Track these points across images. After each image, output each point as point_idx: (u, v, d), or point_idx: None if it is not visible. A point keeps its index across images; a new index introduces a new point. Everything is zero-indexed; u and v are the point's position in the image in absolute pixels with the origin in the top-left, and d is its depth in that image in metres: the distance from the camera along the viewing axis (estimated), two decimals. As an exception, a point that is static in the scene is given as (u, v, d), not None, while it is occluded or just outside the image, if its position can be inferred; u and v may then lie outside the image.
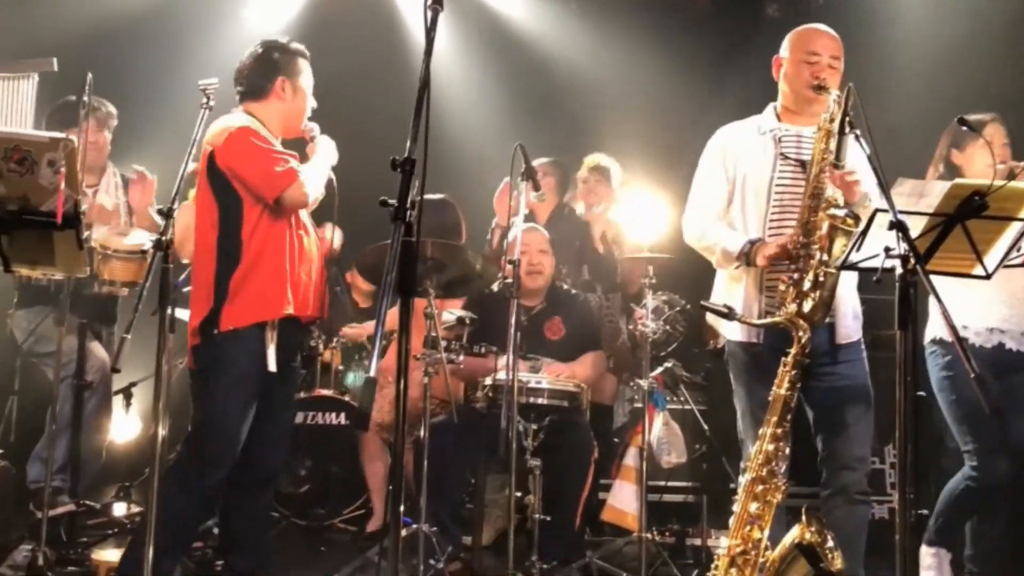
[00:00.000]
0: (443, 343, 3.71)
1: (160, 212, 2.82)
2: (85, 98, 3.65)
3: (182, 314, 4.45)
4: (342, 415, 4.76)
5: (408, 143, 2.15)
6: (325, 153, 3.42)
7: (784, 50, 3.33)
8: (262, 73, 3.37)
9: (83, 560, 3.79)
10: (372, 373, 1.87)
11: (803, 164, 3.17)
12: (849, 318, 3.22)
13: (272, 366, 3.23)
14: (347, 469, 4.77)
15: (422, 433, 3.59)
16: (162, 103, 4.98)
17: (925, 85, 5.37)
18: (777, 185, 3.20)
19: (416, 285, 2.13)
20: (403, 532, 3.79)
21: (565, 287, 4.52)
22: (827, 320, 3.11)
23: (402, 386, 2.04)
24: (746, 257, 3.14)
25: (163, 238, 2.71)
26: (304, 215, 3.41)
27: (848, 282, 3.21)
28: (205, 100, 2.98)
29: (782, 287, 3.04)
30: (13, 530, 3.86)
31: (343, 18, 6.31)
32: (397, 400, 2.09)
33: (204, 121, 2.95)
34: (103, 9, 5.56)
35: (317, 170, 3.36)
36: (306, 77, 3.46)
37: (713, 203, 3.30)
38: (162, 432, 2.70)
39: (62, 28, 5.50)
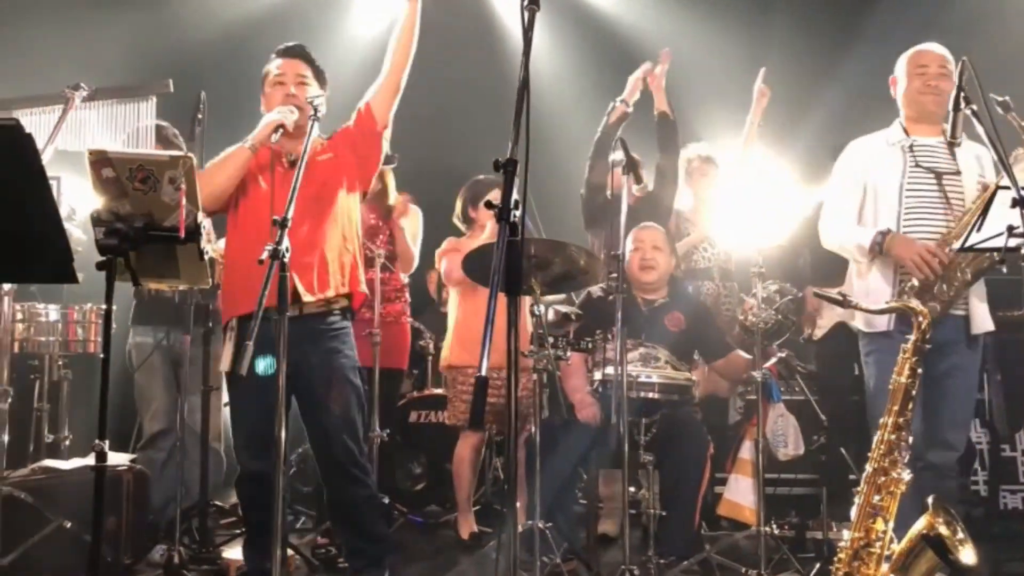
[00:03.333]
0: (551, 340, 3.73)
1: (275, 223, 2.92)
2: (200, 116, 3.83)
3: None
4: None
5: (510, 144, 2.16)
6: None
7: (898, 70, 3.58)
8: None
9: (215, 559, 3.95)
10: (483, 372, 1.90)
11: (936, 173, 3.39)
12: (981, 310, 3.39)
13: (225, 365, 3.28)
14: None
15: (532, 429, 3.61)
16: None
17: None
18: (908, 190, 3.40)
19: (522, 284, 2.16)
20: (519, 528, 3.85)
21: (687, 284, 4.51)
22: (960, 312, 3.33)
23: (512, 384, 2.07)
24: (879, 247, 3.35)
25: (279, 247, 2.80)
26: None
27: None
28: (312, 113, 3.06)
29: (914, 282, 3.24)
30: (147, 533, 4.06)
31: (442, 21, 6.40)
32: (509, 398, 2.11)
33: (311, 133, 3.02)
34: (214, 30, 5.80)
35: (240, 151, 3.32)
36: (269, 74, 3.48)
37: (849, 210, 3.52)
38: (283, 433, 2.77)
39: (176, 49, 5.77)
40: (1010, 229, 2.42)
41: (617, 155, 3.87)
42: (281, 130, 3.21)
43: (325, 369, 3.29)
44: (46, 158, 3.36)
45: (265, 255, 2.66)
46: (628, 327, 3.62)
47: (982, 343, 3.45)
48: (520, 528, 3.87)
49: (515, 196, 2.16)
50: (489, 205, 2.16)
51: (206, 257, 2.71)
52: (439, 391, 5.06)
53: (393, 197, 4.67)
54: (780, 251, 4.56)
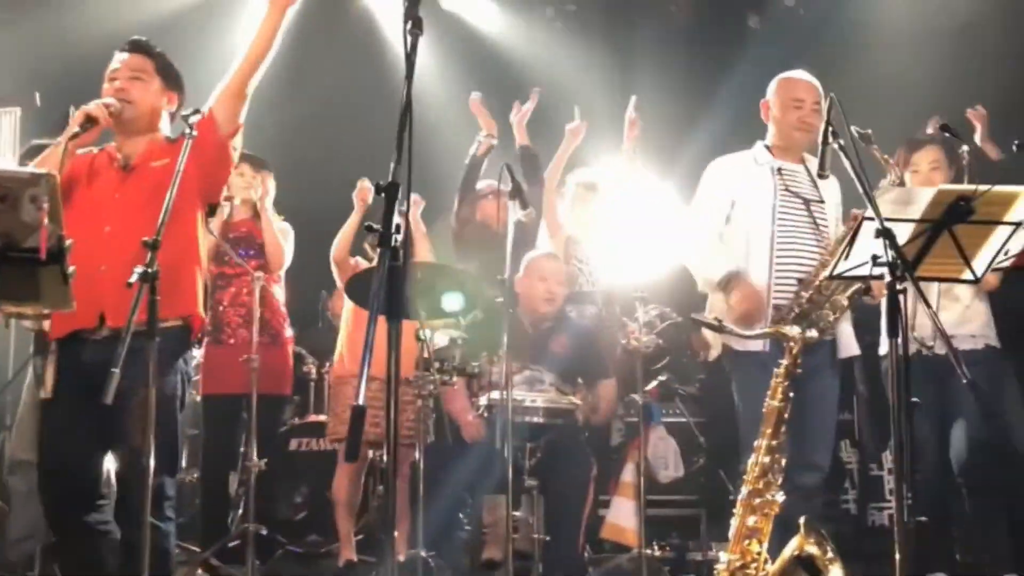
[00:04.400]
0: (436, 364, 3.70)
1: (145, 244, 2.81)
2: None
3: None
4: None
5: (392, 166, 2.14)
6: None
7: (771, 94, 3.66)
8: None
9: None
10: (360, 401, 1.86)
11: (803, 200, 3.51)
12: (849, 335, 3.50)
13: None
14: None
15: (416, 455, 3.57)
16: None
17: (901, 88, 5.40)
18: (780, 214, 3.48)
19: (405, 309, 2.13)
20: (400, 558, 3.79)
21: (572, 311, 4.53)
22: (828, 337, 3.40)
23: (392, 410, 2.03)
24: (723, 285, 3.44)
25: (149, 270, 2.70)
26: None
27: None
28: (189, 130, 2.94)
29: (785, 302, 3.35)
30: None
31: (327, 40, 6.34)
32: (388, 425, 2.08)
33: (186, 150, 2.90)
34: (85, 42, 5.57)
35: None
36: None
37: (710, 228, 3.58)
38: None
39: (45, 62, 5.52)
40: (874, 258, 2.51)
41: (503, 183, 3.88)
42: (91, 123, 2.89)
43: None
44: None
45: (135, 278, 2.55)
46: (514, 350, 3.62)
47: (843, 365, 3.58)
48: (403, 557, 3.82)
49: (396, 220, 2.14)
50: (370, 229, 2.13)
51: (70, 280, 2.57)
52: (321, 417, 4.95)
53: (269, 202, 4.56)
54: (671, 275, 4.65)
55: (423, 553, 3.51)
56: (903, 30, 5.78)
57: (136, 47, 3.15)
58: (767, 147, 3.63)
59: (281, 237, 4.55)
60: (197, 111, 3.00)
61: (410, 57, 2.28)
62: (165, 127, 3.17)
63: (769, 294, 3.42)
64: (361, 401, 1.85)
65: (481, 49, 6.63)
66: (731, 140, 5.61)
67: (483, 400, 3.84)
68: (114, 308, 2.81)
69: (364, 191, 4.39)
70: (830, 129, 2.98)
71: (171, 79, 3.19)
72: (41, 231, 2.45)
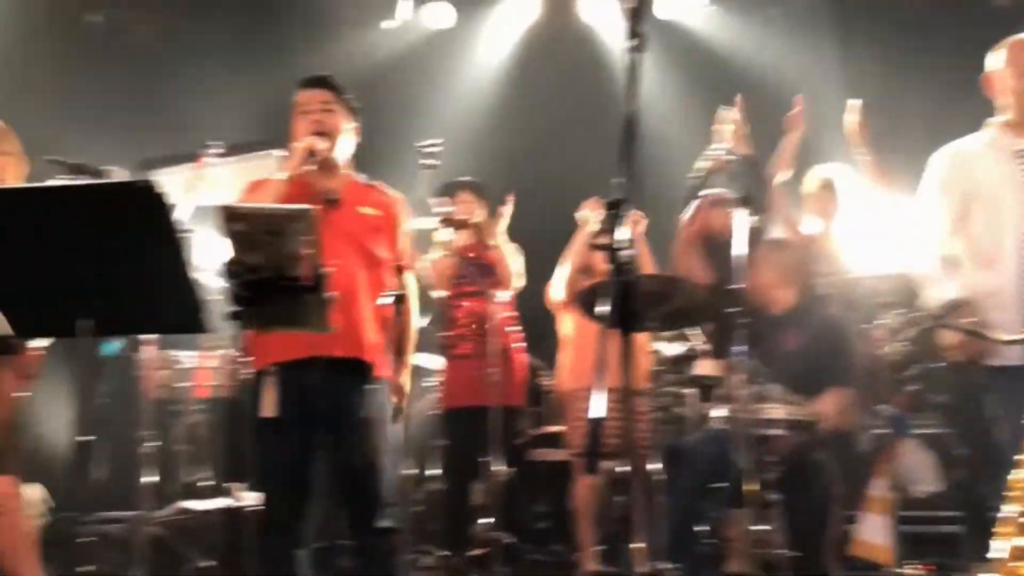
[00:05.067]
0: (669, 376, 3.71)
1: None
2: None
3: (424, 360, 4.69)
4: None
5: (614, 184, 2.18)
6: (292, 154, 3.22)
7: (999, 63, 3.25)
8: None
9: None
10: (597, 414, 1.91)
11: None
12: None
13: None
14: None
15: (652, 465, 3.58)
16: (385, 162, 5.31)
17: None
18: None
19: (633, 324, 2.16)
20: (642, 570, 3.79)
21: (820, 303, 4.34)
22: None
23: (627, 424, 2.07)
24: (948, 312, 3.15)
25: (399, 292, 2.92)
26: None
27: None
28: (426, 160, 3.13)
29: None
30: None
31: (551, 58, 6.53)
32: (625, 436, 2.12)
33: (426, 180, 3.10)
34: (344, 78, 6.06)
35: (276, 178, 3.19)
36: (296, 106, 3.30)
37: (942, 223, 3.28)
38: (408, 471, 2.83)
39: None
40: None
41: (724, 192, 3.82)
42: (313, 157, 3.11)
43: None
44: (184, 214, 3.55)
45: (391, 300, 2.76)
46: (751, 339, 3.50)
47: None
48: (645, 569, 3.83)
49: (625, 235, 2.17)
50: (595, 247, 2.19)
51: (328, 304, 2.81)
52: (559, 428, 5.06)
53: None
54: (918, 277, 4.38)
55: (664, 565, 3.50)
56: None
57: (322, 82, 3.30)
58: (1002, 126, 3.24)
59: (512, 256, 4.73)
60: (435, 144, 3.19)
61: (634, 73, 2.31)
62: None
63: (1022, 300, 3.13)
64: (598, 413, 1.90)
65: (700, 55, 6.55)
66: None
67: (718, 412, 3.78)
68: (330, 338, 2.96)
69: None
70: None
71: (352, 111, 3.33)
72: (305, 261, 2.70)
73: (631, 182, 2.22)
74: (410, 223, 3.41)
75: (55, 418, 5.03)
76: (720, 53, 6.56)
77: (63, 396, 5.08)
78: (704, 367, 4.04)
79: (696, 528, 4.10)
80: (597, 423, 1.91)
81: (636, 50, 2.29)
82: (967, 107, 5.51)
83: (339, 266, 2.91)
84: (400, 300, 3.14)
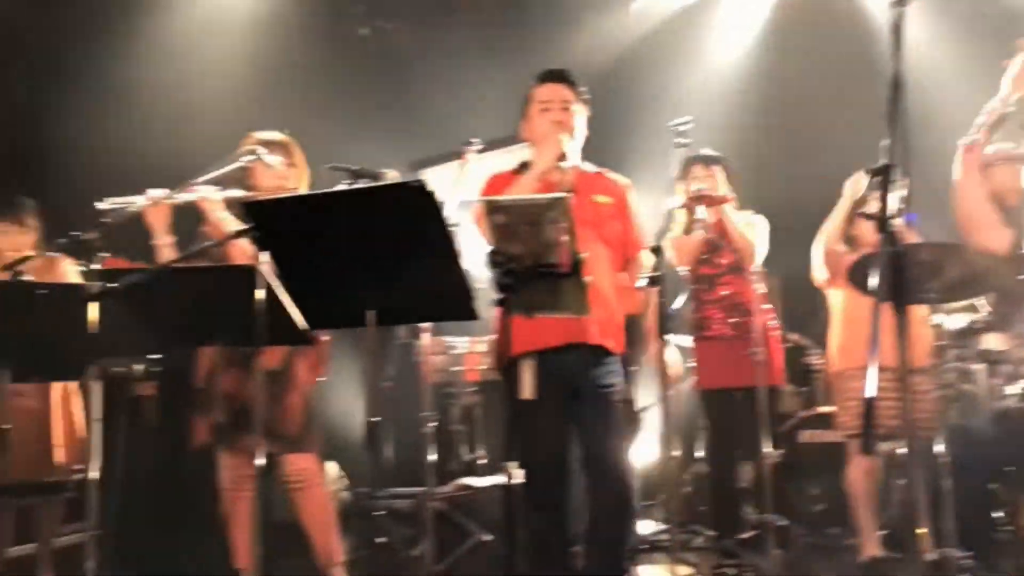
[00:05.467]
0: (955, 351, 3.46)
1: (652, 250, 3.05)
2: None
3: (680, 341, 4.70)
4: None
5: (882, 148, 2.08)
6: (538, 156, 3.38)
7: None
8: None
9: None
10: (872, 393, 1.83)
11: None
12: None
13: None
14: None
15: (938, 447, 3.35)
16: (637, 144, 5.30)
17: None
18: None
19: (908, 297, 2.03)
20: (931, 556, 3.57)
21: None
22: None
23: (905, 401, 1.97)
24: None
25: (655, 274, 2.92)
26: None
27: None
28: (679, 139, 3.13)
29: None
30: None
31: (811, 20, 6.24)
32: (904, 416, 2.01)
33: (678, 159, 3.09)
34: (579, 70, 6.15)
35: (524, 182, 3.32)
36: (534, 99, 3.45)
37: None
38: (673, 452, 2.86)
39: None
40: None
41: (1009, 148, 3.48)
42: (563, 159, 3.25)
43: None
44: (450, 210, 3.76)
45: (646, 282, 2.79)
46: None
47: None
48: (933, 556, 3.59)
49: (896, 203, 2.07)
50: (867, 216, 2.09)
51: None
52: (829, 409, 4.86)
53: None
54: None
55: (955, 552, 3.28)
56: None
57: (560, 77, 3.43)
58: None
59: (750, 231, 4.57)
60: (686, 122, 3.18)
61: (898, 30, 2.18)
62: None
63: None
64: (872, 392, 1.82)
65: (982, 7, 5.98)
66: None
67: (1013, 388, 3.47)
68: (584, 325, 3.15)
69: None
70: None
71: (586, 105, 3.46)
72: (561, 248, 2.78)
73: (899, 146, 2.11)
74: (641, 205, 3.46)
75: (347, 401, 5.49)
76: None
77: (354, 381, 5.54)
78: (992, 340, 3.72)
79: (991, 514, 3.81)
80: (871, 402, 1.83)
81: (900, 4, 2.17)
82: None
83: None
84: (654, 282, 3.15)
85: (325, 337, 3.80)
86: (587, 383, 3.29)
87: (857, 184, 4.28)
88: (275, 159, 3.66)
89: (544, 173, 3.31)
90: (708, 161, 4.62)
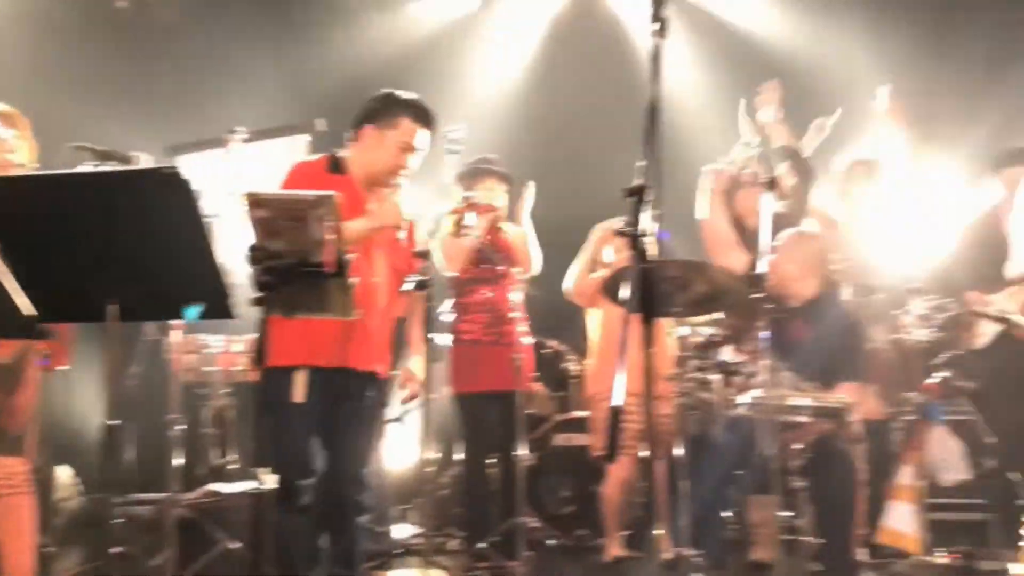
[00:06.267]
0: (694, 362, 3.69)
1: (418, 255, 3.05)
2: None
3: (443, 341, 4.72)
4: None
5: (638, 169, 2.17)
6: (378, 214, 3.30)
7: None
8: (357, 118, 3.43)
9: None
10: (617, 401, 1.90)
11: None
12: None
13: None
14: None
15: (678, 451, 3.56)
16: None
17: None
18: None
19: (656, 310, 2.15)
20: (667, 556, 3.79)
21: (838, 296, 4.32)
22: None
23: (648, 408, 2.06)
24: None
25: (423, 279, 2.92)
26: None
27: None
28: (451, 145, 3.15)
29: None
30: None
31: (575, 44, 6.49)
32: (647, 422, 2.11)
33: (451, 165, 3.12)
34: (360, 67, 6.05)
35: (355, 226, 3.18)
36: (401, 133, 3.35)
37: None
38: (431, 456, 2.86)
39: (326, 89, 6.05)
40: None
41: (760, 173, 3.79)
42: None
43: None
44: (209, 200, 3.58)
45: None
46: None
47: None
48: (669, 555, 3.82)
49: (648, 222, 2.17)
50: (620, 233, 2.18)
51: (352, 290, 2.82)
52: (583, 413, 5.07)
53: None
54: (949, 263, 4.34)
55: (688, 551, 3.49)
56: None
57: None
58: None
59: (522, 240, 4.69)
60: (459, 129, 3.22)
61: (656, 58, 2.29)
62: None
63: None
64: (617, 401, 1.90)
65: (729, 39, 6.48)
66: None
67: (744, 398, 3.76)
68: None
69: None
70: None
71: None
72: (327, 247, 2.71)
73: (653, 168, 2.21)
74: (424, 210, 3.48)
75: (86, 401, 5.09)
76: (749, 37, 6.48)
77: (94, 379, 5.14)
78: (727, 353, 4.01)
79: (721, 514, 4.10)
80: (617, 411, 1.91)
81: (659, 34, 2.28)
82: (1000, 91, 5.46)
83: (360, 257, 3.01)
84: (421, 286, 3.15)
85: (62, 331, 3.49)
86: (350, 404, 3.33)
87: (602, 231, 4.54)
88: (7, 132, 3.32)
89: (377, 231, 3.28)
90: (496, 173, 4.71)
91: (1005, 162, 4.65)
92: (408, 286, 3.19)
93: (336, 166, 3.41)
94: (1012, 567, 2.68)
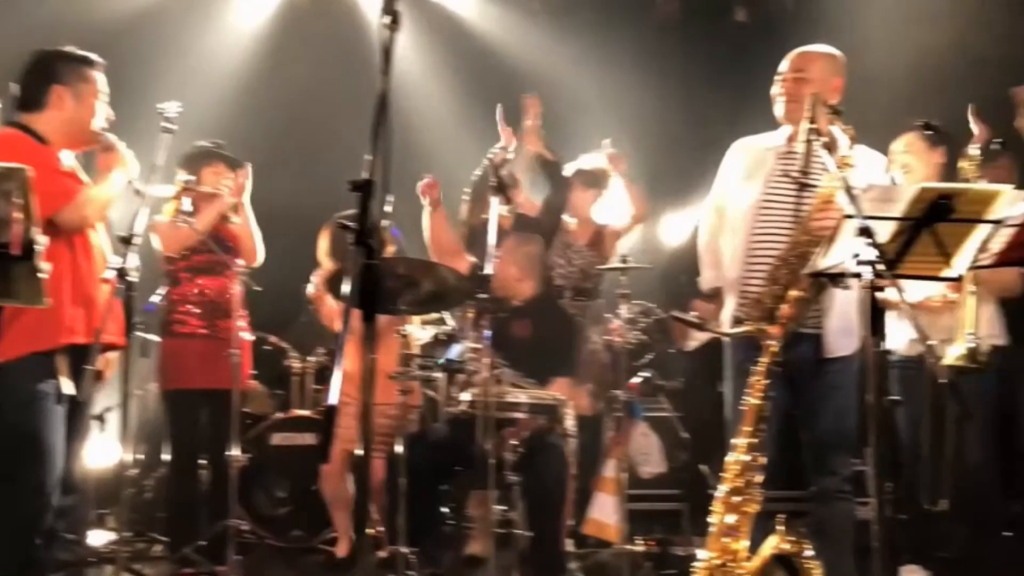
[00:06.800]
0: (418, 360, 3.71)
1: (122, 239, 2.80)
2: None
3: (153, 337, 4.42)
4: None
5: (366, 163, 2.12)
6: (121, 168, 3.22)
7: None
8: (36, 83, 3.21)
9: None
10: (332, 401, 1.84)
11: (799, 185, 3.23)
12: (837, 333, 3.23)
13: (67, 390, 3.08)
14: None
15: (397, 449, 3.55)
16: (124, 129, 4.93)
17: (892, 86, 5.34)
18: (764, 200, 3.28)
19: (378, 309, 2.10)
20: (382, 554, 3.78)
21: (556, 297, 4.51)
22: (814, 332, 3.20)
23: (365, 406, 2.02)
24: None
25: (125, 265, 2.68)
26: (97, 236, 3.22)
27: (845, 298, 3.14)
28: (166, 124, 2.94)
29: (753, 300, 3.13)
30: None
31: (309, 30, 6.31)
32: (363, 421, 2.06)
33: (165, 145, 2.91)
34: (55, 34, 5.53)
35: (105, 188, 3.16)
36: (93, 85, 3.25)
37: (719, 214, 3.46)
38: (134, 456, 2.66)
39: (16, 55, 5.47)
40: (855, 256, 2.50)
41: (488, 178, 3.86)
42: None
43: None
44: None
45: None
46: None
47: (851, 368, 3.24)
48: (385, 553, 3.81)
49: (376, 217, 2.12)
50: (344, 227, 2.11)
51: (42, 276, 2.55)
52: (304, 412, 4.93)
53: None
54: (658, 269, 4.66)
55: (404, 549, 3.49)
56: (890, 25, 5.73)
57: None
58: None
59: (246, 230, 4.48)
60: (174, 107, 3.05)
61: (388, 51, 2.25)
62: None
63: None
64: (334, 401, 1.84)
65: (466, 41, 6.59)
66: (722, 131, 5.66)
67: (465, 396, 3.82)
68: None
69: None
70: (813, 127, 3.00)
71: None
72: (15, 226, 2.43)
73: (382, 163, 2.16)
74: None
75: None
76: (483, 39, 6.62)
77: None
78: (453, 351, 4.07)
79: (440, 510, 4.15)
80: (332, 410, 1.84)
81: (390, 27, 2.24)
82: (719, 105, 5.94)
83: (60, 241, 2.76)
84: (121, 275, 2.90)
85: None
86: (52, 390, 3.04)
87: (328, 239, 4.46)
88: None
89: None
90: (222, 158, 4.45)
91: None
92: (109, 273, 2.91)
93: (38, 137, 3.12)
94: (700, 552, 2.90)
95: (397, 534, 3.56)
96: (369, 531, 2.35)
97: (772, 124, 3.42)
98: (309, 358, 5.15)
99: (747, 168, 3.37)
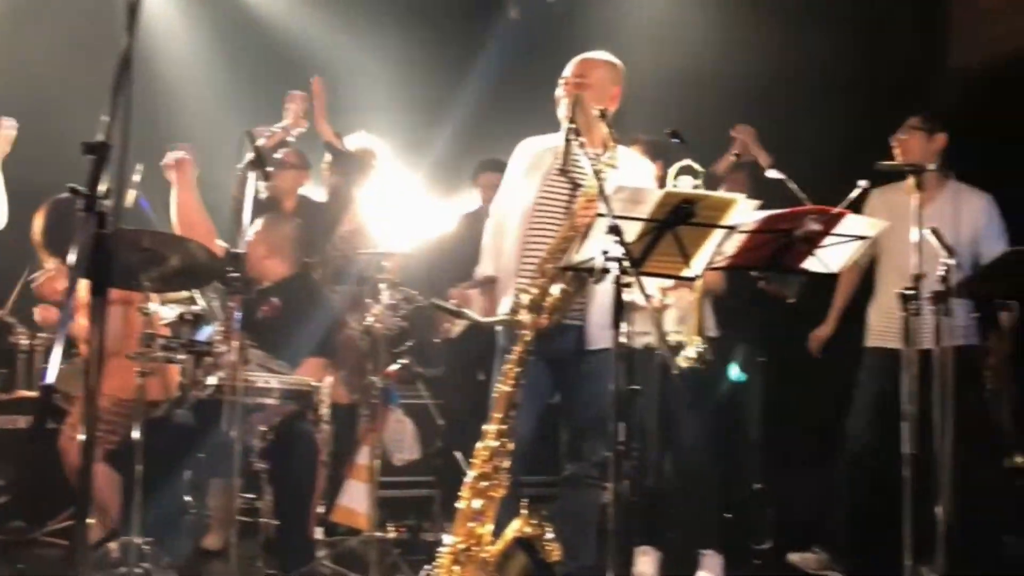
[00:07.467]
0: (161, 341, 3.49)
1: None
2: None
3: None
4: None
5: (103, 124, 1.96)
6: None
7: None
8: None
9: None
10: (49, 380, 1.68)
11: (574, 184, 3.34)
12: (597, 326, 3.31)
13: None
14: (55, 475, 4.34)
15: (135, 435, 3.33)
16: None
17: (660, 86, 5.52)
18: (540, 197, 3.35)
19: (110, 281, 1.94)
20: (114, 544, 3.53)
21: (314, 279, 4.45)
22: (578, 324, 3.30)
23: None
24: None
25: None
26: None
27: (607, 293, 3.25)
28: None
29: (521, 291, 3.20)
30: None
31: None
32: (88, 404, 1.91)
33: None
34: None
35: None
36: None
37: (503, 210, 3.53)
38: None
39: None
40: (604, 253, 2.60)
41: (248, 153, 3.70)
42: None
43: None
44: None
45: None
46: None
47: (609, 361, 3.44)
48: (115, 544, 3.56)
49: (105, 184, 1.96)
50: (74, 192, 1.94)
51: None
52: (28, 393, 4.52)
53: None
54: (410, 259, 4.65)
55: (137, 539, 3.28)
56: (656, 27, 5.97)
57: None
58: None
59: None
60: None
61: (133, 7, 2.10)
62: None
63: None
64: (50, 380, 1.68)
65: (252, 23, 6.28)
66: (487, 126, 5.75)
67: (212, 379, 3.65)
68: None
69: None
70: (573, 128, 3.11)
71: None
72: None
73: (121, 126, 2.01)
74: None
75: None
76: (268, 19, 6.33)
77: None
78: (203, 333, 3.87)
79: (181, 498, 3.93)
80: (49, 389, 1.69)
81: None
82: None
83: None
84: None
85: None
86: None
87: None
88: None
89: None
90: None
91: (478, 171, 5.18)
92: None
93: None
94: (446, 537, 2.94)
95: (132, 524, 3.34)
96: (90, 520, 2.18)
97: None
98: (40, 334, 4.73)
99: (527, 166, 3.48)
